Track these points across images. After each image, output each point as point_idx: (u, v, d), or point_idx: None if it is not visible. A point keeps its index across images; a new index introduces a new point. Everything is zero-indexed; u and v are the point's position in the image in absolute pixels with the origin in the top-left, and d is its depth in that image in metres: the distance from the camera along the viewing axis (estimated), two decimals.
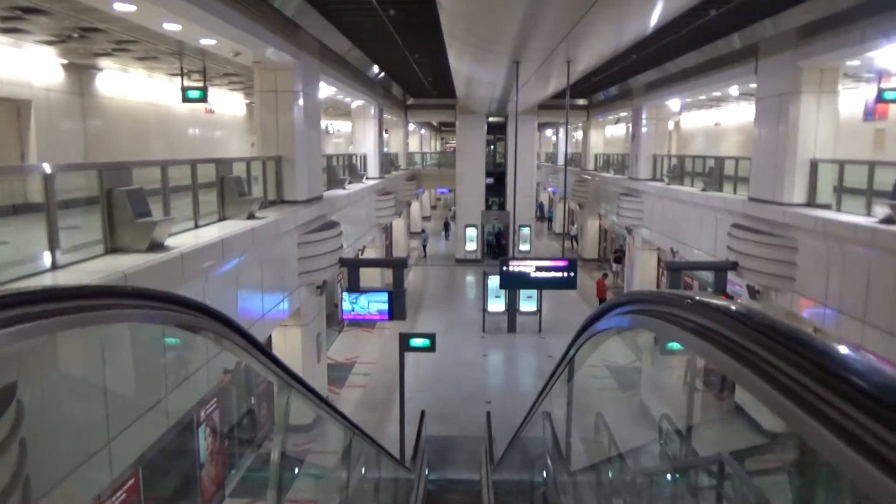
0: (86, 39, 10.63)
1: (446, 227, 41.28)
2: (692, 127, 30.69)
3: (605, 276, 23.57)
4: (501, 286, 14.56)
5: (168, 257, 6.50)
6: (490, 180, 33.45)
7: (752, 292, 13.44)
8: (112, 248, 6.58)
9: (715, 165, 16.89)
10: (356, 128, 23.53)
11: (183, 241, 7.50)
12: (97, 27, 9.67)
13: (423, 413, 12.43)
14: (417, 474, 10.59)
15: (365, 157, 22.67)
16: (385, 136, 35.22)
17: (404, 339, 11.86)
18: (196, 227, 8.61)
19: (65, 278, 5.64)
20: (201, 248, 7.31)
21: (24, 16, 9.04)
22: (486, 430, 12.25)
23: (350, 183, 19.42)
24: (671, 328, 1.71)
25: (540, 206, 49.60)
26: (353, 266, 13.64)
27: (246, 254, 9.22)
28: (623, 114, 28.27)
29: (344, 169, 18.68)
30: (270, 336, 12.99)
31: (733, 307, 1.47)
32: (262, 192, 11.60)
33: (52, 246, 5.68)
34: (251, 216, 9.87)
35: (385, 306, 13.34)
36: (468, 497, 11.26)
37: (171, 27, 8.42)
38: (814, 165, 12.23)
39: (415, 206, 45.24)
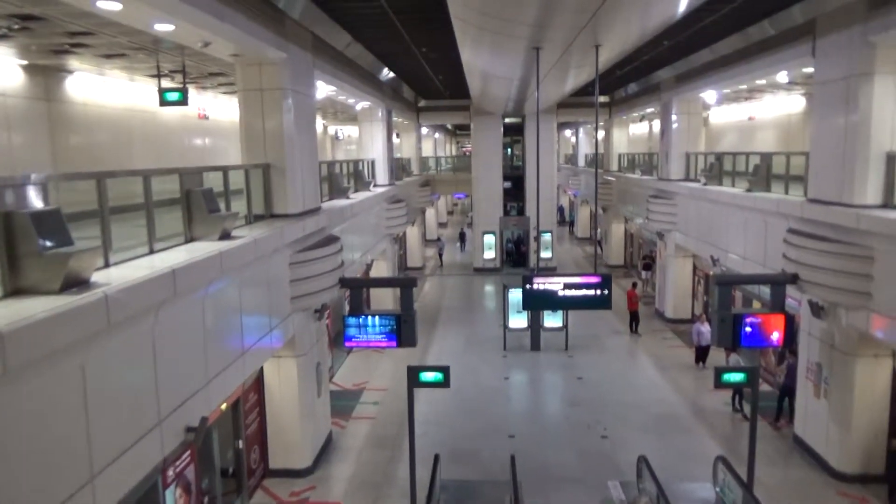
0: (29, 32, 9.15)
1: (462, 238, 39.46)
2: (723, 122, 28.70)
3: (635, 285, 21.71)
4: (525, 307, 12.83)
5: (83, 301, 4.90)
6: (508, 184, 31.77)
7: (816, 309, 11.59)
8: (14, 290, 5.00)
9: (761, 162, 15.03)
10: (363, 132, 21.97)
11: (124, 274, 5.91)
12: (33, 14, 8.17)
13: (436, 458, 10.75)
14: None
15: (373, 163, 21.09)
16: (396, 140, 33.72)
17: (413, 374, 10.17)
18: (151, 252, 7.02)
19: None
20: (140, 283, 5.72)
21: None
22: (510, 475, 10.52)
23: (356, 192, 17.86)
24: None
25: (560, 209, 47.74)
26: (355, 286, 12.02)
27: (216, 282, 7.62)
28: (649, 110, 26.40)
29: (348, 177, 17.09)
30: (262, 370, 11.41)
31: None
32: (244, 205, 10.02)
33: None
34: (225, 235, 8.28)
35: (393, 332, 11.68)
36: None
37: (108, 5, 6.85)
38: (892, 159, 10.38)
39: (430, 212, 43.63)
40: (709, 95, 19.12)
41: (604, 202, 31.62)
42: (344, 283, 12.00)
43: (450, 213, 61.83)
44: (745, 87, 17.33)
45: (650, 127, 40.38)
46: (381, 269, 21.81)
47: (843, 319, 10.99)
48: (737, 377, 9.83)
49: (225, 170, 9.31)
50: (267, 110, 11.01)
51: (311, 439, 11.99)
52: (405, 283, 11.94)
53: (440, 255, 35.48)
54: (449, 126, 55.12)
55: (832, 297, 10.88)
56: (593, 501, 10.95)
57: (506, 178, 31.61)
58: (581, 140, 44.13)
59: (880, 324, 10.10)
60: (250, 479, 11.14)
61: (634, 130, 38.97)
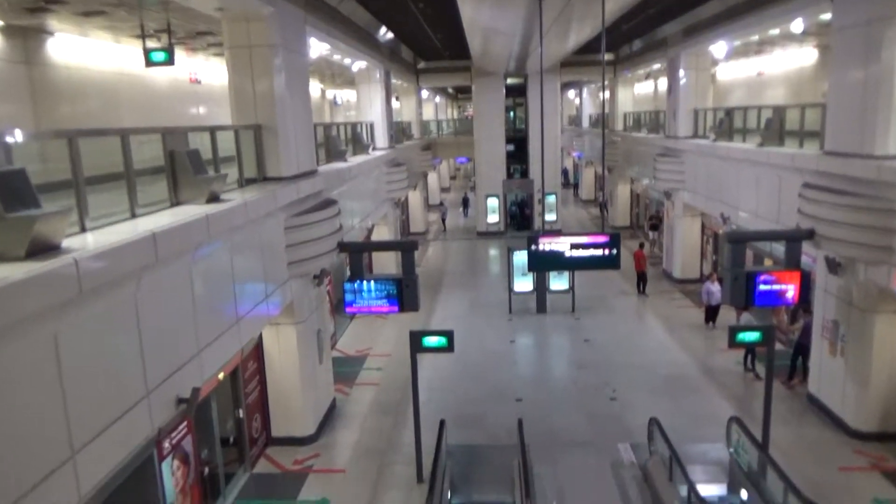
0: None
1: (465, 203, 38.79)
2: (731, 79, 27.87)
3: (642, 245, 21.27)
4: (530, 268, 12.46)
5: (50, 268, 4.52)
6: (511, 147, 31.13)
7: (833, 265, 11.17)
8: None
9: (774, 116, 14.44)
10: (361, 94, 21.34)
11: (102, 240, 5.52)
12: None
13: (442, 423, 10.50)
14: (438, 500, 8.66)
15: (372, 126, 20.51)
16: (396, 104, 33.00)
17: (416, 339, 9.86)
18: (133, 217, 6.62)
19: None
20: (116, 248, 5.33)
21: None
22: (517, 439, 10.28)
23: (354, 155, 17.36)
24: None
25: (564, 172, 47.00)
26: (354, 251, 11.63)
27: (204, 247, 7.24)
28: (656, 66, 25.62)
29: (346, 140, 16.57)
30: (260, 337, 11.11)
31: None
32: (235, 171, 9.58)
33: None
34: (213, 198, 7.86)
35: (394, 297, 11.33)
36: None
37: None
38: None
39: (432, 177, 43.06)
40: (718, 48, 18.39)
41: (609, 163, 30.96)
42: (343, 247, 11.61)
43: (452, 178, 61.18)
44: (756, 37, 16.59)
45: (655, 86, 39.43)
46: (383, 234, 21.42)
47: (862, 275, 10.58)
48: (751, 336, 9.48)
49: (212, 130, 8.85)
50: (256, 69, 10.48)
51: (313, 407, 11.75)
52: (406, 245, 11.54)
53: (443, 220, 35.04)
54: (450, 89, 54.14)
55: (851, 252, 10.44)
56: (603, 464, 10.71)
57: (508, 141, 30.96)
58: (585, 100, 43.21)
59: None
60: (252, 448, 10.93)
61: (639, 90, 38.04)
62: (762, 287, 11.14)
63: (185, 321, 6.96)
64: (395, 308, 11.52)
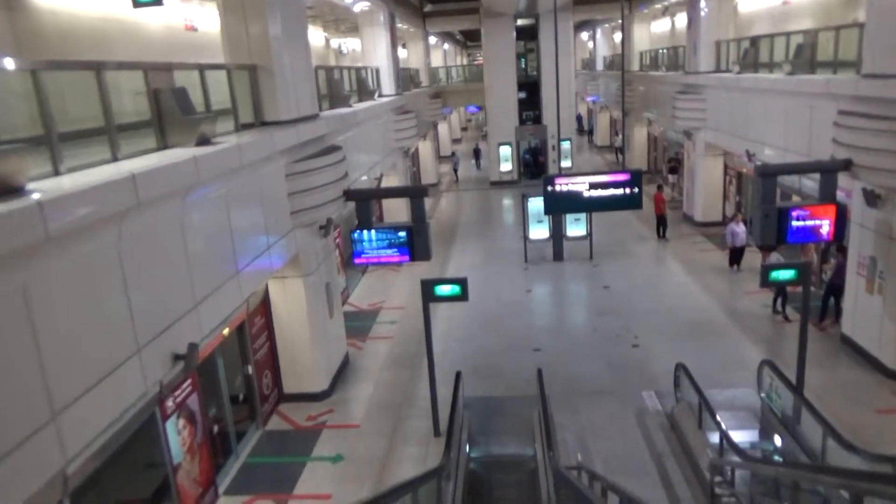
0: None
1: (476, 154, 37.75)
2: (753, 10, 26.37)
3: (660, 187, 20.46)
4: (547, 211, 11.84)
5: (7, 209, 4.00)
6: (522, 95, 30.04)
7: (871, 198, 10.45)
8: None
9: (805, 41, 13.46)
10: (364, 38, 20.42)
11: (77, 182, 4.99)
12: None
13: (458, 375, 10.08)
14: (457, 453, 8.30)
15: (377, 72, 19.67)
16: (402, 51, 31.91)
17: (428, 288, 9.35)
18: (115, 160, 6.07)
19: None
20: (88, 189, 4.79)
21: None
22: (537, 389, 9.86)
23: (360, 102, 16.61)
24: None
25: (579, 118, 45.73)
26: (361, 198, 11.05)
27: (195, 192, 6.70)
28: (673, 0, 24.30)
29: (351, 86, 15.81)
30: (267, 291, 10.68)
31: None
32: (231, 120, 8.96)
33: None
34: (204, 141, 7.28)
35: (405, 245, 10.80)
36: (522, 479, 8.99)
37: None
38: None
39: (443, 128, 42.11)
40: None
41: (626, 105, 29.86)
42: (349, 195, 11.04)
43: (463, 129, 60.02)
44: None
45: (672, 24, 37.80)
46: (393, 185, 20.79)
47: None
48: (786, 274, 8.86)
49: (201, 69, 8.20)
50: (249, 5, 9.74)
51: (325, 362, 11.39)
52: (415, 191, 10.95)
53: (455, 171, 34.27)
54: (459, 36, 52.60)
55: (893, 181, 9.70)
56: (627, 413, 10.29)
57: (520, 87, 29.88)
58: (599, 42, 41.66)
59: None
60: (264, 405, 10.61)
61: (655, 29, 36.48)
62: (795, 223, 10.47)
63: (179, 273, 6.48)
64: (406, 257, 11.00)
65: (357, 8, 18.65)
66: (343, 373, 12.14)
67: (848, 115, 10.61)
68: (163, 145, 7.02)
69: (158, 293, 6.07)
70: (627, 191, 10.45)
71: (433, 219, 24.93)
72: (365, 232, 10.93)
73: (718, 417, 8.22)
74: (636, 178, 10.39)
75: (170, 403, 7.59)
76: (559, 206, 11.37)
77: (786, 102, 13.71)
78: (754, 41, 16.40)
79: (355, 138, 14.54)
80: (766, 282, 8.97)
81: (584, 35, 48.91)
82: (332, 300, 11.83)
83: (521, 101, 29.91)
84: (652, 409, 10.34)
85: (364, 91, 16.90)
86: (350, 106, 14.52)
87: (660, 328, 13.38)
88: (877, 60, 10.20)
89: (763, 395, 9.60)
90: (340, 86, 14.48)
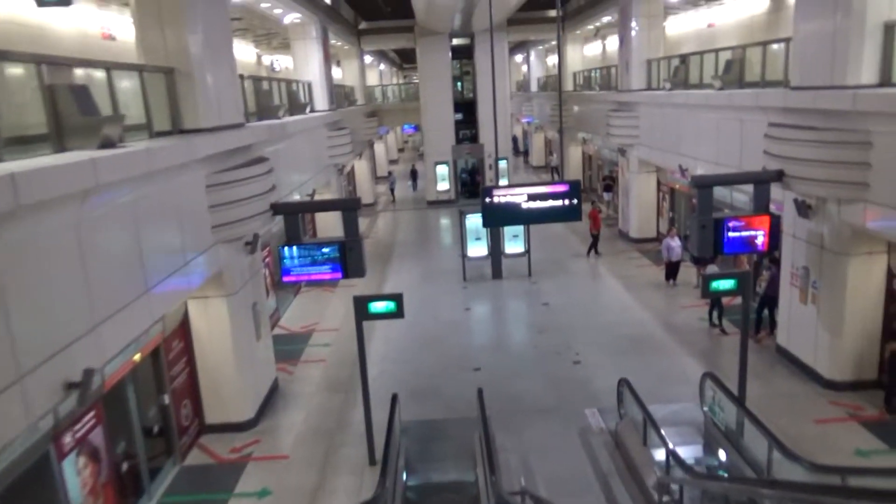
0: None
1: (413, 175, 37.03)
2: (680, 32, 27.24)
3: (593, 203, 20.49)
4: (485, 224, 11.48)
5: None
6: (459, 116, 29.96)
7: (802, 208, 10.55)
8: None
9: (734, 57, 13.72)
10: (296, 52, 19.83)
11: None
12: None
13: (394, 397, 9.51)
14: (393, 482, 7.71)
15: (310, 86, 19.08)
16: (337, 68, 31.41)
17: (361, 304, 8.79)
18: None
19: None
20: None
21: None
22: (478, 410, 9.39)
23: (291, 116, 15.96)
24: None
25: (514, 139, 46.15)
26: (289, 212, 10.41)
27: (94, 198, 5.97)
28: (606, 19, 24.77)
29: (281, 97, 15.17)
30: (187, 312, 9.87)
31: None
32: (140, 115, 8.23)
33: None
34: (108, 144, 6.56)
35: (337, 261, 10.20)
36: None
37: None
38: (890, 30, 9.14)
39: (379, 148, 41.69)
40: None
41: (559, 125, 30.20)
42: (276, 209, 10.39)
43: (400, 150, 59.73)
44: None
45: (604, 47, 38.74)
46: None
47: (836, 216, 9.96)
48: (726, 284, 8.74)
49: (108, 67, 7.47)
50: (166, 5, 9.06)
51: (251, 388, 10.60)
52: (347, 204, 10.42)
53: (392, 191, 33.80)
54: (394, 57, 52.52)
55: (824, 191, 9.81)
56: (570, 432, 9.93)
57: (457, 107, 29.80)
58: (533, 64, 42.30)
59: (878, 215, 9.09)
60: (183, 438, 9.73)
61: (588, 52, 37.34)
62: (731, 234, 10.45)
63: (73, 289, 5.72)
64: (339, 274, 10.39)
65: (287, 20, 18.06)
66: (271, 400, 11.36)
67: (778, 127, 10.74)
68: (60, 147, 6.27)
69: (46, 312, 5.31)
70: (566, 202, 10.23)
71: (369, 238, 24.34)
72: (294, 248, 10.28)
73: (664, 433, 7.94)
74: (575, 190, 10.20)
75: (67, 439, 6.73)
76: (498, 218, 11.05)
77: (717, 117, 13.91)
78: (684, 59, 16.71)
79: (286, 152, 13.89)
80: (706, 292, 8.84)
81: (519, 58, 49.72)
82: (259, 321, 11.08)
83: (457, 121, 29.81)
84: (595, 426, 10.02)
85: (295, 105, 16.27)
86: (279, 118, 13.88)
87: (600, 344, 13.18)
88: (805, 73, 10.39)
89: (706, 408, 9.42)
90: (269, 97, 13.82)
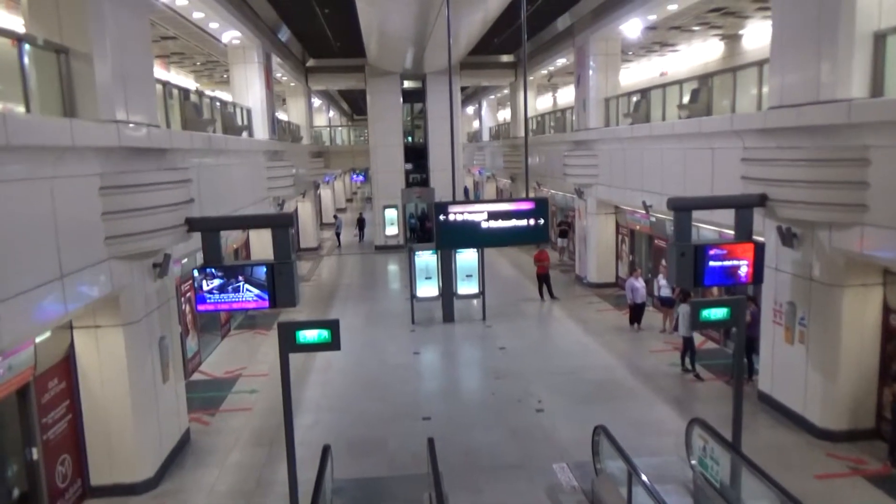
0: None
1: (360, 224, 34.00)
2: (633, 82, 27.22)
3: (539, 247, 18.90)
4: (439, 246, 10.16)
5: None
6: (409, 166, 28.95)
7: (787, 237, 9.58)
8: None
9: (700, 86, 13.03)
10: (235, 75, 18.45)
11: None
12: None
13: (325, 450, 7.82)
14: None
15: (249, 112, 17.66)
16: (283, 106, 30.25)
17: (287, 333, 7.16)
18: None
19: None
20: None
21: None
22: (428, 465, 7.77)
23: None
24: None
25: (465, 190, 45.50)
26: (208, 229, 8.80)
27: None
28: (561, 61, 24.41)
29: (212, 112, 13.67)
30: (72, 344, 8.03)
31: None
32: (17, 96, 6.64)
33: None
34: None
35: (263, 287, 8.58)
36: None
37: None
38: (880, 39, 8.41)
39: (326, 195, 40.33)
40: (631, 26, 17.15)
41: (513, 171, 29.54)
42: (193, 224, 8.77)
43: (349, 200, 58.44)
44: (675, 6, 15.34)
45: (554, 100, 38.96)
46: (265, 240, 18.44)
47: (827, 243, 8.99)
48: (718, 313, 7.52)
49: None
50: None
51: (152, 440, 8.71)
52: (278, 220, 8.89)
53: (337, 235, 32.20)
54: (345, 107, 51.85)
55: (814, 215, 8.85)
56: (537, 490, 8.39)
57: (407, 148, 28.81)
58: (485, 113, 42.11)
59: (878, 240, 8.13)
60: (57, 503, 7.73)
61: (539, 105, 37.39)
62: (713, 263, 9.36)
63: None
64: (265, 303, 8.77)
65: (226, 38, 16.72)
66: (180, 455, 9.45)
67: (758, 150, 9.86)
68: None
69: None
70: (531, 222, 9.01)
71: (311, 282, 22.64)
72: (212, 270, 8.64)
73: (657, 491, 6.51)
74: (542, 208, 9.00)
75: None
76: (454, 239, 9.71)
77: (683, 147, 13.11)
78: (645, 93, 16.07)
79: (215, 171, 12.33)
80: (697, 323, 7.59)
81: (470, 110, 49.69)
82: (167, 359, 9.27)
83: (407, 172, 28.82)
84: (566, 484, 8.50)
85: (231, 126, 14.78)
86: (207, 132, 12.36)
87: (564, 390, 11.77)
88: (785, 91, 9.56)
89: (694, 461, 8.07)
90: (199, 110, 12.29)
